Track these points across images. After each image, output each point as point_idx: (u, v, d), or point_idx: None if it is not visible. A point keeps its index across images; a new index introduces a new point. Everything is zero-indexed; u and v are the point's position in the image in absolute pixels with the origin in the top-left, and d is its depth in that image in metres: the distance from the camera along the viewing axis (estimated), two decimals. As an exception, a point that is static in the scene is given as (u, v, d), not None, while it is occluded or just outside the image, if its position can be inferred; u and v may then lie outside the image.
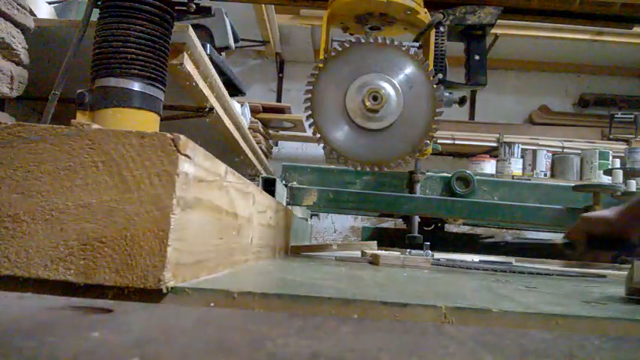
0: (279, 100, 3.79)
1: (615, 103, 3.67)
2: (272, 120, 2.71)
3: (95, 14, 0.86)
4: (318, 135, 0.92)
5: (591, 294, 0.61)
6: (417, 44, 0.94)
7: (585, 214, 1.22)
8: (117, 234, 0.34)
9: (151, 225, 0.34)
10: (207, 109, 1.32)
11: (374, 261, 0.93)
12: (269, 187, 1.17)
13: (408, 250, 1.15)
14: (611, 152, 3.04)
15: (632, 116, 3.19)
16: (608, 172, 2.32)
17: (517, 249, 1.42)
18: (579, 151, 3.15)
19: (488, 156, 3.25)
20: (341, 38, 0.93)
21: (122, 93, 0.81)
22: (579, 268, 1.10)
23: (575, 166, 3.10)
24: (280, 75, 3.90)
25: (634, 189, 1.61)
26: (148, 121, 0.84)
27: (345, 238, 3.66)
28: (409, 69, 0.90)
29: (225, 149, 1.84)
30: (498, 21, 1.09)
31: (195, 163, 0.37)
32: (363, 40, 0.91)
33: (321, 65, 0.91)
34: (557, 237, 2.26)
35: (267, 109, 2.65)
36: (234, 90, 1.86)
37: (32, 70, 1.01)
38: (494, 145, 3.24)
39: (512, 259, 1.16)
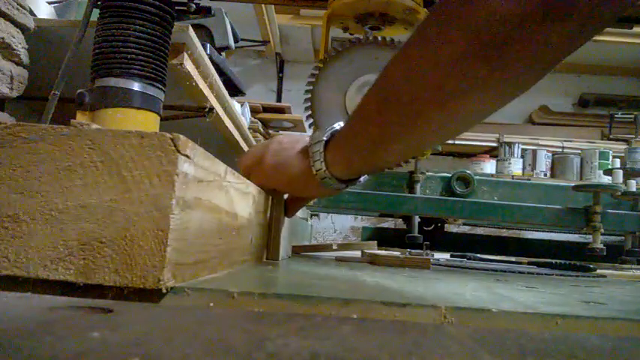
0: (279, 100, 3.78)
1: (615, 103, 3.67)
2: (272, 120, 2.71)
3: (95, 14, 0.86)
4: (318, 135, 0.91)
5: (591, 294, 0.61)
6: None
7: None
8: (116, 234, 0.34)
9: (150, 225, 0.34)
10: (207, 109, 1.32)
11: (374, 261, 0.93)
12: (269, 187, 1.17)
13: (408, 250, 1.15)
14: (611, 152, 3.04)
15: (632, 116, 3.18)
16: (608, 172, 2.32)
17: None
18: (579, 151, 3.14)
19: (488, 156, 3.25)
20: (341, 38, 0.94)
21: (122, 93, 0.81)
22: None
23: (575, 166, 3.09)
24: (280, 75, 3.89)
25: (634, 189, 1.61)
26: (147, 121, 0.84)
27: (345, 238, 3.66)
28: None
29: (225, 149, 1.84)
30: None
31: (195, 163, 0.37)
32: (363, 40, 0.91)
33: (321, 65, 0.91)
34: (557, 237, 2.26)
35: (267, 109, 2.65)
36: (234, 90, 1.86)
37: (32, 70, 1.01)
38: (494, 145, 3.24)
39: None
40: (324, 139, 0.65)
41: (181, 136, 0.35)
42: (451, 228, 2.26)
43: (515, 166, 3.07)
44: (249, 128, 2.12)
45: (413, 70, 0.52)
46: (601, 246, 1.29)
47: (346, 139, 0.64)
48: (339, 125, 0.67)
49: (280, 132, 3.00)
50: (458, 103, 0.52)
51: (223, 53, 1.78)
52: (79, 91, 0.81)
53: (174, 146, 0.34)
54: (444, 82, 0.50)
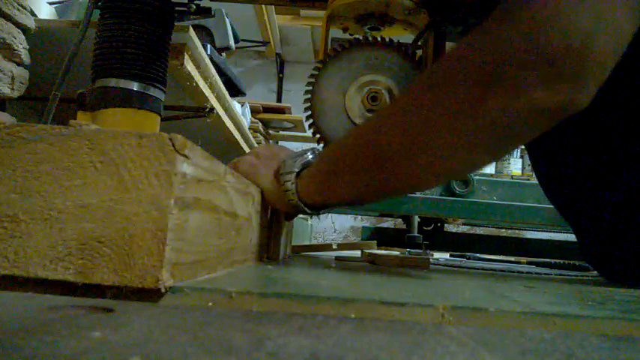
0: (279, 100, 3.79)
1: (615, 103, 3.66)
2: (272, 120, 2.71)
3: (96, 15, 0.86)
4: (318, 135, 0.92)
5: (591, 294, 0.61)
6: (417, 45, 0.94)
7: None
8: (115, 234, 0.34)
9: (149, 225, 0.34)
10: (207, 110, 1.32)
11: (374, 261, 0.93)
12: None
13: (408, 249, 1.15)
14: (611, 152, 3.03)
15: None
16: (609, 172, 2.32)
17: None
18: (579, 151, 3.14)
19: (488, 156, 3.24)
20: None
21: (122, 93, 0.81)
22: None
23: (576, 166, 3.09)
24: (280, 75, 3.90)
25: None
26: (148, 122, 0.84)
27: (345, 238, 3.66)
28: (409, 69, 0.90)
29: (226, 149, 1.84)
30: (498, 21, 1.09)
31: (194, 163, 0.37)
32: (362, 41, 0.91)
33: (320, 66, 0.91)
34: (556, 237, 2.26)
35: (267, 110, 2.65)
36: (235, 90, 1.86)
37: (33, 71, 1.02)
38: (495, 145, 3.24)
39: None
40: (296, 170, 0.66)
41: (179, 136, 0.35)
42: (450, 228, 2.26)
43: (515, 166, 3.08)
44: (249, 128, 2.12)
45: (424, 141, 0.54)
46: (601, 246, 1.29)
47: (324, 176, 0.65)
48: (311, 154, 0.68)
49: (280, 132, 3.00)
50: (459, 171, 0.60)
51: (224, 54, 1.78)
52: (79, 91, 0.81)
53: (173, 146, 0.35)
54: (455, 155, 0.54)
